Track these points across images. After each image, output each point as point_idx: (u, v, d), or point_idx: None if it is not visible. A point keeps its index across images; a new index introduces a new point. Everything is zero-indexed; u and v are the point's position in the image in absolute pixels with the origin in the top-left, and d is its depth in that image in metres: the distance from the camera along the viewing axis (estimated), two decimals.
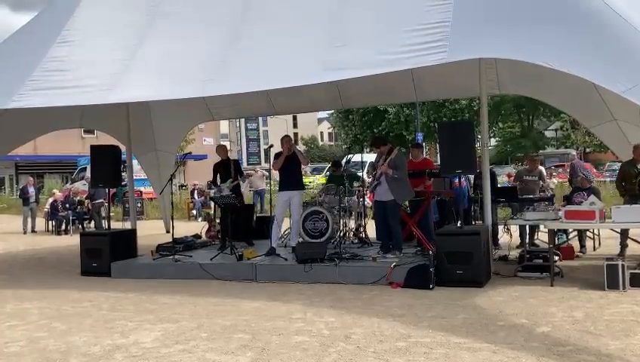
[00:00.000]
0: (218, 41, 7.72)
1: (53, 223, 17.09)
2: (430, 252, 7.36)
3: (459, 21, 6.29)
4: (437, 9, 6.52)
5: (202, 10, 8.31)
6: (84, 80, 7.89)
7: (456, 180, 8.78)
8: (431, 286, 6.82)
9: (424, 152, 9.97)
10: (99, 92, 7.67)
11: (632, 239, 8.23)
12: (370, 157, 27.00)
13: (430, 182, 8.80)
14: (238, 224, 9.62)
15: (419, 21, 6.55)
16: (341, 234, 9.10)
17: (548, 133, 46.97)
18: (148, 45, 8.08)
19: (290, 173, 8.78)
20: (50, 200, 17.55)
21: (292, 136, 10.07)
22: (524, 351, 4.52)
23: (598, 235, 9.60)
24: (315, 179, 30.79)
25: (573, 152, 19.00)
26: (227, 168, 9.94)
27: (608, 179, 20.54)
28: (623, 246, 8.28)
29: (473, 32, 6.25)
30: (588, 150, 37.56)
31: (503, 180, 15.50)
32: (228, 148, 11.43)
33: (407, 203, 9.27)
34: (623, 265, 6.45)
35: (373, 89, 11.43)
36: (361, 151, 17.17)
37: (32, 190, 17.72)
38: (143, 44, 8.10)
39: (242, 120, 53.07)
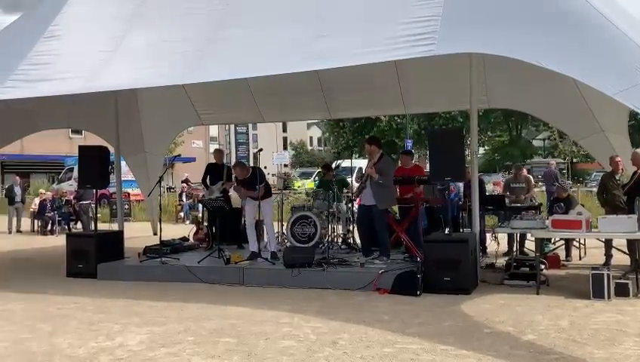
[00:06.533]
0: (202, 31, 7.69)
1: (39, 223, 16.94)
2: (418, 258, 7.37)
3: (449, 16, 6.22)
4: (427, 4, 6.48)
5: (189, 0, 8.30)
6: (69, 71, 7.86)
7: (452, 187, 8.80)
8: (418, 292, 6.83)
9: (414, 159, 9.97)
10: (82, 82, 7.64)
11: (618, 249, 8.31)
12: (359, 162, 27.19)
13: (420, 189, 8.81)
14: (227, 227, 9.63)
15: (408, 15, 6.49)
16: (329, 239, 9.10)
17: (536, 143, 47.43)
18: (133, 36, 8.06)
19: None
20: (37, 200, 17.39)
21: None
22: (510, 358, 4.55)
23: (584, 245, 9.68)
24: (303, 184, 30.84)
25: (552, 161, 19.25)
26: (219, 172, 10.11)
27: (594, 190, 20.68)
28: (608, 256, 8.36)
29: (463, 28, 6.18)
30: (575, 160, 37.90)
31: (489, 188, 15.62)
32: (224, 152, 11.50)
33: (396, 209, 9.29)
34: (608, 275, 6.51)
35: (361, 100, 11.42)
36: (351, 157, 17.20)
37: (18, 190, 17.56)
38: (129, 35, 8.08)
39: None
